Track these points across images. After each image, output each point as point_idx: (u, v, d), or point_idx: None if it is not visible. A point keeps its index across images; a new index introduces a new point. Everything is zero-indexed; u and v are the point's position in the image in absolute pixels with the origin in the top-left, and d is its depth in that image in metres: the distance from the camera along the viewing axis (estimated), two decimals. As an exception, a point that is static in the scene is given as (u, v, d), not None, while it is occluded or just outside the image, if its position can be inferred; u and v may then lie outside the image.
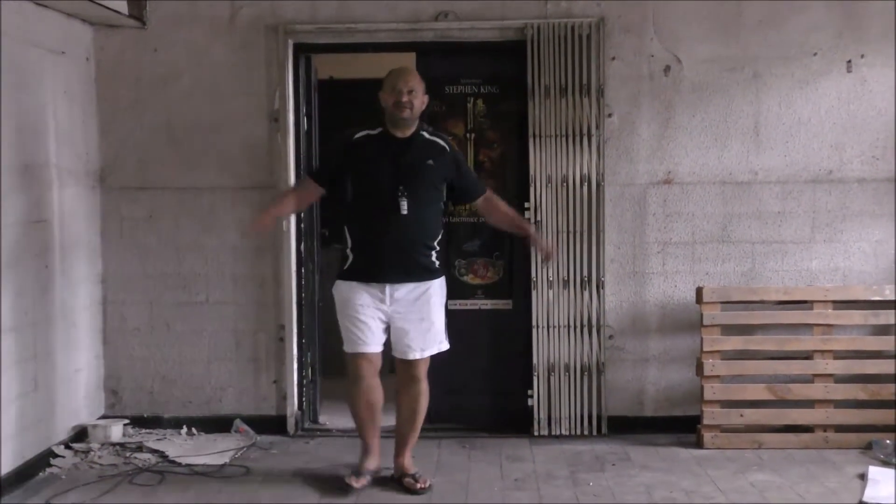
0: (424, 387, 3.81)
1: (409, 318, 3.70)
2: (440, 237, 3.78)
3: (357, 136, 3.70)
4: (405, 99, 3.59)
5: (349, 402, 3.85)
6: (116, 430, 4.50)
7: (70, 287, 4.39)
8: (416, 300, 3.70)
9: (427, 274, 3.72)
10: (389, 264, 3.64)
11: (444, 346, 3.82)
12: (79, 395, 4.50)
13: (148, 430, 4.68)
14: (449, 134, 4.37)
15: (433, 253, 3.73)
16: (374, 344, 3.72)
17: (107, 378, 4.76)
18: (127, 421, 4.65)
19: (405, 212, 3.58)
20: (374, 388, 3.78)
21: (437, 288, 3.76)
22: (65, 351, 4.34)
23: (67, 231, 4.38)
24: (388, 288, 3.68)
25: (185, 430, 4.67)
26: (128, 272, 4.73)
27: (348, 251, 3.73)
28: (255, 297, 4.70)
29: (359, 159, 3.67)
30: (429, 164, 3.66)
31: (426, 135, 3.74)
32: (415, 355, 3.75)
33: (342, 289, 3.75)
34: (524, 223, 4.06)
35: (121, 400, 4.76)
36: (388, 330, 3.75)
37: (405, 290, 3.68)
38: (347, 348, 3.76)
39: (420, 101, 3.66)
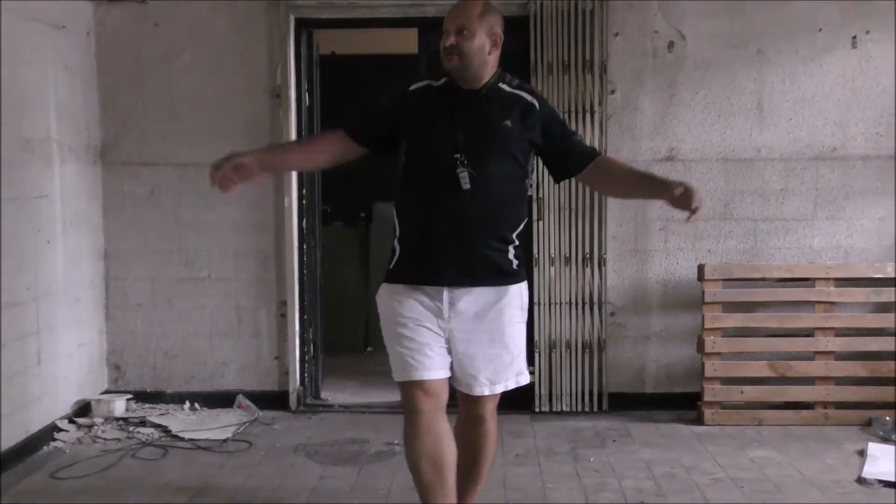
0: (492, 426, 2.87)
1: (475, 340, 2.68)
2: (521, 227, 2.75)
3: (415, 86, 2.75)
4: (449, 42, 2.62)
5: (406, 453, 2.73)
6: (119, 405, 4.52)
7: (72, 263, 4.40)
8: (484, 314, 2.68)
9: (499, 277, 2.69)
10: (446, 260, 2.63)
11: (524, 378, 2.80)
12: (82, 370, 4.52)
13: (151, 405, 4.70)
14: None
15: (511, 248, 2.70)
16: (432, 367, 2.66)
17: (109, 353, 4.78)
18: (130, 396, 4.67)
19: (466, 186, 2.59)
20: (440, 435, 2.66)
21: (514, 297, 2.73)
22: (67, 326, 4.35)
23: (69, 206, 4.37)
24: (445, 294, 2.65)
25: (187, 405, 4.69)
26: (130, 248, 4.73)
27: (395, 243, 2.74)
28: (257, 274, 4.70)
29: (412, 116, 2.71)
30: (505, 125, 2.65)
31: (506, 87, 2.71)
32: (482, 390, 2.74)
33: (385, 295, 2.73)
34: (657, 178, 2.82)
35: (124, 375, 4.78)
36: (449, 351, 2.72)
37: (470, 299, 2.66)
38: (396, 375, 2.71)
39: (477, 43, 2.61)
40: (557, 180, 2.90)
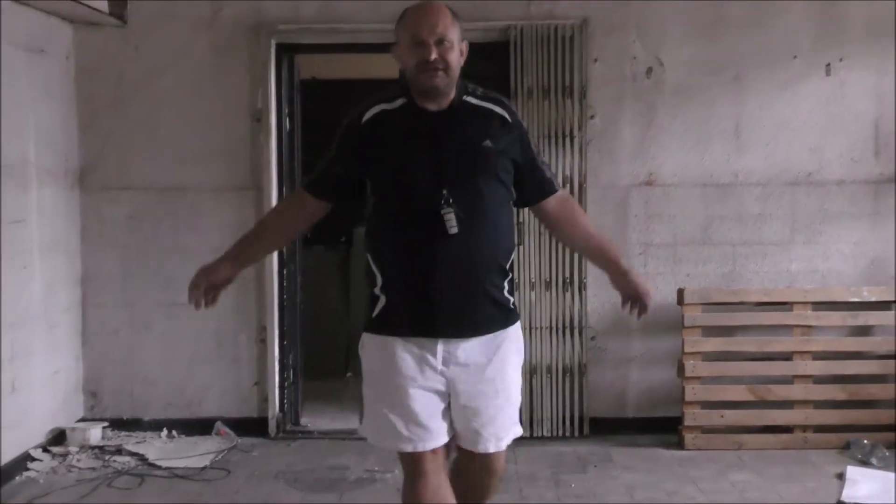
0: (499, 480, 2.59)
1: (478, 392, 2.38)
2: (513, 255, 2.45)
3: (368, 114, 2.36)
4: (434, 56, 2.26)
5: None
6: (95, 433, 4.46)
7: (49, 288, 4.35)
8: (487, 362, 2.37)
9: (499, 321, 2.39)
10: (442, 311, 2.31)
11: (517, 430, 2.50)
12: (57, 397, 4.46)
13: (127, 433, 4.64)
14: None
15: (505, 283, 2.40)
16: (429, 439, 2.37)
17: (86, 380, 4.72)
18: (106, 424, 4.61)
19: (454, 231, 2.26)
20: (445, 497, 2.40)
21: (513, 340, 2.44)
22: (43, 352, 4.29)
23: (46, 231, 4.33)
24: (441, 346, 2.34)
25: (165, 432, 4.63)
26: (108, 273, 4.69)
27: (377, 291, 2.38)
28: (237, 299, 4.67)
29: (376, 152, 2.34)
30: (485, 145, 2.33)
31: (473, 100, 2.38)
32: (487, 447, 2.43)
33: (371, 347, 2.41)
34: (613, 249, 2.54)
35: (100, 402, 4.72)
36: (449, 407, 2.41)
37: (470, 349, 2.35)
38: (386, 443, 2.41)
39: (457, 54, 2.31)
40: (517, 206, 2.51)
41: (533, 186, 2.46)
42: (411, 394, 2.33)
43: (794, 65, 4.59)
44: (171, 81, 4.64)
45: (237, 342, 4.70)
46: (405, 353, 2.34)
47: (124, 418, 4.71)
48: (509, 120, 2.39)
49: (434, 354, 2.33)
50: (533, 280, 4.61)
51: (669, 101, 4.62)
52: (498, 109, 2.39)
